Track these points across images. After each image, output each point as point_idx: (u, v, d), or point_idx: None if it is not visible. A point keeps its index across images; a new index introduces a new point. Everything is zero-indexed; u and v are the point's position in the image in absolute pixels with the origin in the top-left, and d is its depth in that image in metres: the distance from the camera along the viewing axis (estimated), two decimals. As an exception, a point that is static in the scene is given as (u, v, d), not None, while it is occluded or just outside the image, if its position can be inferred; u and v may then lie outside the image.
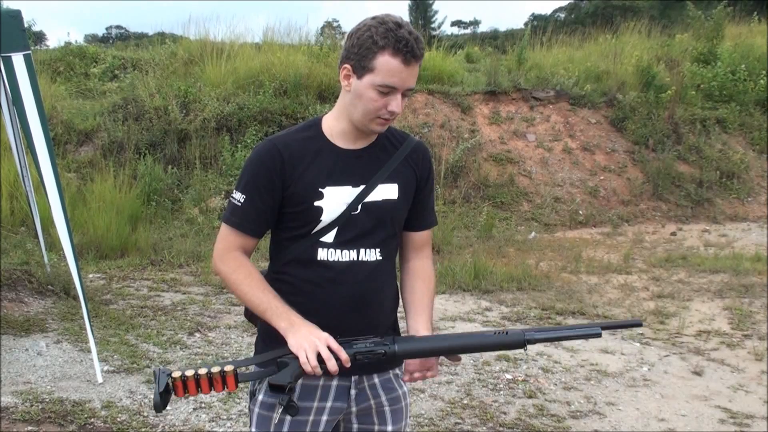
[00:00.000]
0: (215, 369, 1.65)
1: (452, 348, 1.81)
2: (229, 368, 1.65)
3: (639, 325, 1.87)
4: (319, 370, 1.67)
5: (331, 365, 1.66)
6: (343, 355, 1.68)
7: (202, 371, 1.65)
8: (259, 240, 1.88)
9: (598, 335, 1.81)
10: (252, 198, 1.80)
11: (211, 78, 10.77)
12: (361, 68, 1.73)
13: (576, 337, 1.85)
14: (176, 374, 1.65)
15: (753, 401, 4.36)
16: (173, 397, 1.67)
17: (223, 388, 1.66)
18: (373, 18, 1.73)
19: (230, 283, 1.82)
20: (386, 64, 1.70)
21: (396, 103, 1.74)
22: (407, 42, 1.69)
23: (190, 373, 1.65)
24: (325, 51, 11.51)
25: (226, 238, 1.84)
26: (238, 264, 1.82)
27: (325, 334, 1.70)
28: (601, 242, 8.98)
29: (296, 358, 1.68)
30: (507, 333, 1.75)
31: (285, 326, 1.72)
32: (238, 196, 1.82)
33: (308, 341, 1.67)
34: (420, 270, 1.97)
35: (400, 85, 1.72)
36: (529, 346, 1.78)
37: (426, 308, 1.92)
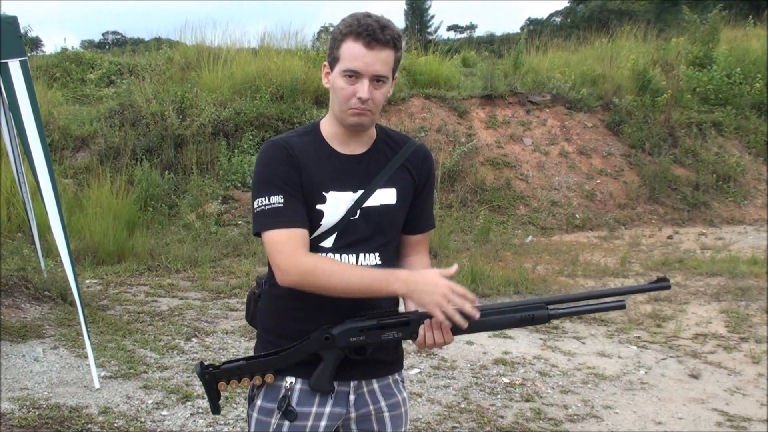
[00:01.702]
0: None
1: (482, 326, 1.84)
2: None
3: (667, 285, 1.81)
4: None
5: (458, 319, 1.73)
6: (470, 295, 1.75)
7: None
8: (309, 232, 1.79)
9: (623, 307, 1.86)
10: (286, 196, 1.74)
11: (207, 83, 10.77)
12: (333, 60, 1.78)
13: (600, 310, 1.89)
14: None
15: (750, 404, 4.37)
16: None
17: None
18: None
19: (319, 278, 1.72)
20: (349, 49, 1.73)
21: (363, 89, 1.73)
22: (368, 26, 1.70)
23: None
24: (321, 56, 11.53)
25: (286, 243, 1.73)
26: (315, 258, 1.74)
27: (443, 282, 1.71)
28: (598, 246, 8.99)
29: (329, 349, 1.75)
30: (533, 317, 1.81)
31: (403, 290, 1.72)
32: (276, 199, 1.74)
33: (439, 297, 1.70)
34: (418, 261, 1.95)
35: (364, 69, 1.72)
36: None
37: None
